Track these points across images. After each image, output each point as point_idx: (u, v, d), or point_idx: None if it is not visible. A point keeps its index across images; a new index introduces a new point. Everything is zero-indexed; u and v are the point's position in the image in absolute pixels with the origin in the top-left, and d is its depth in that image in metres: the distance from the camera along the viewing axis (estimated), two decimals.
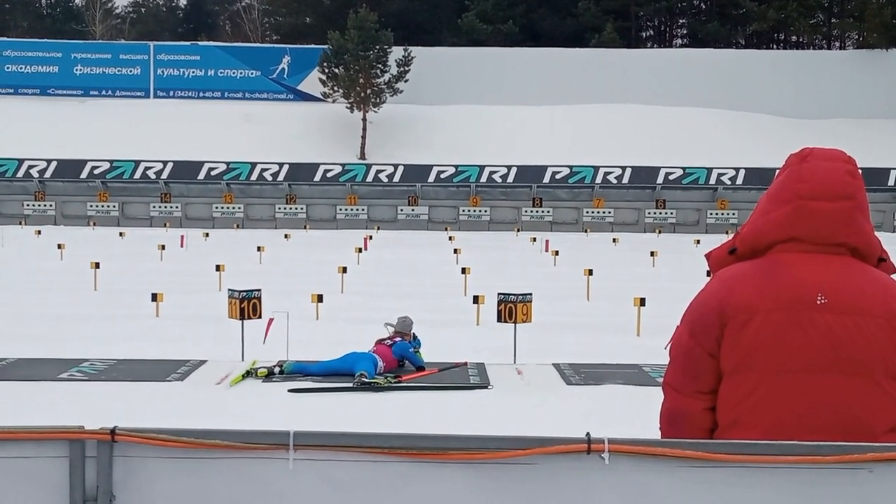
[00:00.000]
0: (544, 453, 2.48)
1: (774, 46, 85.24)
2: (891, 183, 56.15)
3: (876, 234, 3.26)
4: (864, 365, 2.94)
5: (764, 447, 2.53)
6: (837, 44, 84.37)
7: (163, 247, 34.16)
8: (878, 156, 56.98)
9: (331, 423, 9.66)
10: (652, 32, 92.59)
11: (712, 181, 57.28)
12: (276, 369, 12.30)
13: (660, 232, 54.26)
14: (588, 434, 2.50)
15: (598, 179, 57.37)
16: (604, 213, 56.84)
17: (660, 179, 57.41)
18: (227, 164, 57.40)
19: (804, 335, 2.95)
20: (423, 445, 2.50)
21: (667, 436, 3.21)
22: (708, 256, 3.37)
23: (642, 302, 16.44)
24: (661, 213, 57.04)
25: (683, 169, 57.66)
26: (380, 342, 13.02)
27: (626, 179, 57.58)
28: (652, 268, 30.61)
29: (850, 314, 2.97)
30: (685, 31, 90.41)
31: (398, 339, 13.02)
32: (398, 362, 12.80)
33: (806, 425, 2.89)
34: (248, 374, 12.15)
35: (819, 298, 2.99)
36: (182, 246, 37.95)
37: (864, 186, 3.25)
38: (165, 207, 56.80)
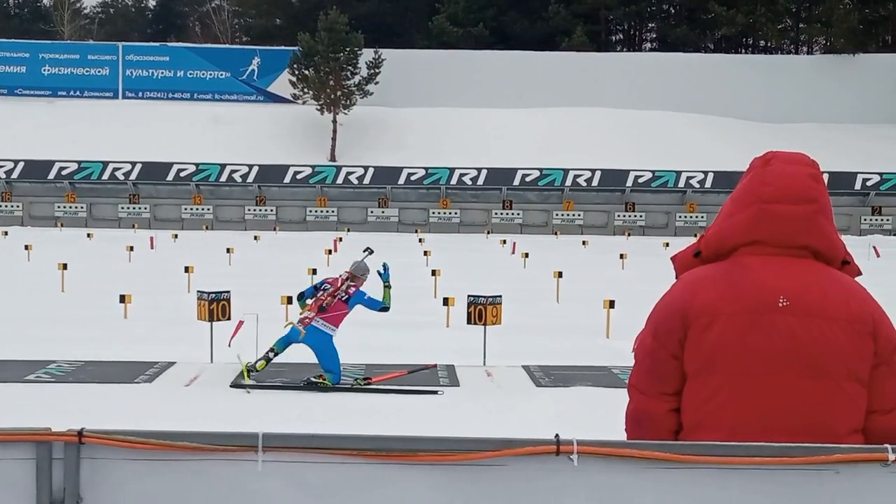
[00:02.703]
0: (513, 455, 2.49)
1: (743, 51, 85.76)
2: (857, 187, 56.58)
3: (840, 236, 3.29)
4: (826, 367, 2.97)
5: (731, 448, 2.55)
6: (805, 48, 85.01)
7: (131, 248, 33.97)
8: (845, 160, 57.38)
9: (301, 424, 9.65)
10: (622, 36, 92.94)
11: (681, 184, 57.54)
12: (271, 354, 12.36)
13: (629, 234, 54.45)
14: (557, 436, 2.51)
15: (568, 182, 57.49)
16: (573, 215, 56.97)
17: (629, 182, 57.61)
18: (197, 165, 57.12)
19: (766, 338, 2.97)
20: (392, 447, 2.50)
21: (632, 437, 3.23)
22: (673, 259, 3.39)
23: (612, 304, 16.51)
24: (630, 216, 57.23)
25: (653, 172, 57.88)
26: (334, 295, 12.68)
27: (595, 182, 57.73)
28: (621, 270, 30.72)
29: (813, 316, 2.99)
30: (655, 36, 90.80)
31: (353, 290, 12.70)
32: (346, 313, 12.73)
33: (768, 427, 2.91)
34: (250, 371, 12.16)
35: (781, 301, 3.01)
36: (152, 247, 37.76)
37: (826, 190, 3.27)
38: (134, 209, 56.47)
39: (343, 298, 12.55)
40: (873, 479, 2.49)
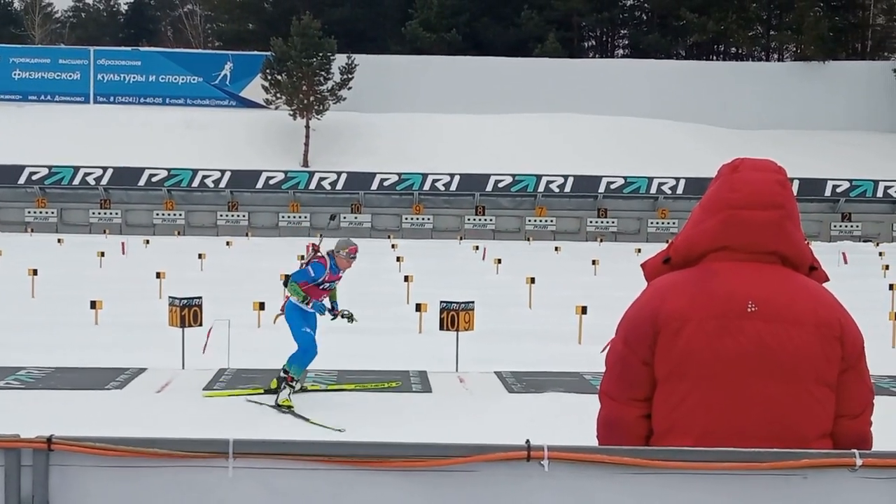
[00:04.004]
0: (484, 460, 2.50)
1: (714, 57, 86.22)
2: (827, 193, 56.98)
3: (807, 242, 3.32)
4: (794, 372, 2.99)
5: (700, 454, 2.57)
6: (776, 55, 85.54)
7: (102, 254, 33.78)
8: (815, 167, 57.81)
9: (272, 430, 9.62)
10: (594, 43, 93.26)
11: (653, 190, 57.79)
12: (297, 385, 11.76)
13: (601, 240, 54.62)
14: (528, 441, 2.52)
15: (541, 188, 57.64)
16: (546, 221, 57.12)
17: (601, 188, 57.81)
18: (168, 170, 56.89)
19: (735, 343, 2.99)
20: (362, 453, 2.50)
21: (603, 443, 3.24)
22: (643, 266, 3.41)
23: (584, 310, 16.54)
24: (602, 222, 57.44)
25: (625, 178, 58.11)
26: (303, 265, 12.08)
27: (568, 188, 57.91)
28: (594, 276, 30.82)
29: (781, 322, 3.01)
30: (627, 42, 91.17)
31: (315, 261, 11.91)
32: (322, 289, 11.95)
33: (738, 432, 2.93)
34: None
35: (750, 306, 3.03)
36: (123, 253, 37.56)
37: (793, 196, 3.30)
38: (105, 214, 56.17)
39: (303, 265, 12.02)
40: (841, 485, 2.51)
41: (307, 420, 10.54)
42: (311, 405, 11.21)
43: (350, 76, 65.49)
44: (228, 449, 2.47)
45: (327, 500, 2.52)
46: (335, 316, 12.02)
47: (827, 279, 3.34)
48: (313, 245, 12.25)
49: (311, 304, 11.66)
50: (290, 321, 11.72)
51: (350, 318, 11.98)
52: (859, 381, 3.13)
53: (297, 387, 11.57)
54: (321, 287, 11.79)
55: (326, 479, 2.49)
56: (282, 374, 11.52)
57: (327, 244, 12.35)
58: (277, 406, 11.10)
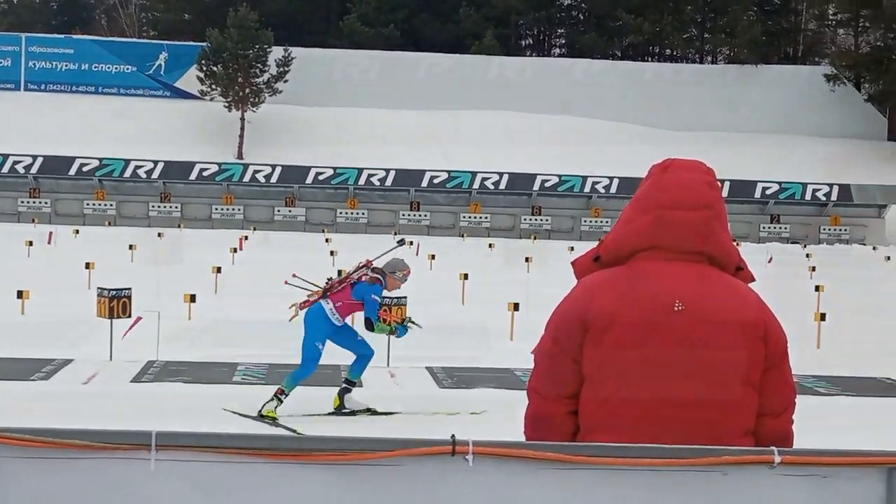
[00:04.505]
0: (409, 455, 2.49)
1: (650, 59, 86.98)
2: (757, 195, 57.73)
3: (737, 243, 3.36)
4: (719, 371, 3.03)
5: (623, 450, 2.59)
6: (710, 58, 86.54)
7: (30, 243, 33.24)
8: (745, 169, 58.60)
9: (198, 422, 9.54)
10: (531, 41, 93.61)
11: (587, 189, 58.17)
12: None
13: (535, 238, 54.87)
14: (453, 436, 2.52)
15: (476, 185, 57.76)
16: (481, 218, 57.28)
17: (536, 186, 58.08)
18: (100, 160, 56.12)
19: (661, 342, 3.02)
20: (287, 446, 2.49)
21: (531, 438, 3.26)
22: (573, 264, 3.43)
23: (516, 307, 16.60)
24: (536, 220, 57.71)
25: (559, 176, 58.43)
26: (349, 277, 11.17)
27: (503, 185, 58.10)
28: (527, 273, 30.93)
29: (706, 321, 3.05)
30: (564, 41, 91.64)
31: (365, 278, 10.97)
32: (361, 305, 11.07)
33: (662, 430, 2.96)
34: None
35: (677, 305, 3.06)
36: (49, 242, 37.00)
37: (722, 197, 3.35)
38: (34, 203, 55.29)
39: (351, 282, 11.03)
40: (760, 481, 2.54)
41: (294, 431, 10.11)
42: (239, 396, 11.13)
43: (286, 69, 65.15)
44: (151, 441, 2.44)
45: (250, 494, 2.50)
46: (408, 329, 11.32)
47: (753, 279, 3.39)
48: (368, 261, 11.26)
49: (397, 333, 11.17)
50: (310, 328, 10.97)
51: (416, 324, 11.35)
52: (782, 381, 3.18)
53: (284, 399, 10.79)
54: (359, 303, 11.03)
55: (250, 473, 2.48)
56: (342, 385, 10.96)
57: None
58: (260, 416, 10.50)
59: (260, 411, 10.58)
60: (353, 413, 10.85)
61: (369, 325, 11.07)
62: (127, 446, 2.46)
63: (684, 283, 3.11)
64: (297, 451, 2.49)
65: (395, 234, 52.96)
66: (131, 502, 2.48)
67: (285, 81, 64.87)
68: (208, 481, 2.48)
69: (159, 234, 44.47)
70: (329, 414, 10.93)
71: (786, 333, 3.23)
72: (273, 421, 10.47)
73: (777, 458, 2.49)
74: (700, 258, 3.20)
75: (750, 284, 3.37)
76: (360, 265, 11.12)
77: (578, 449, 2.62)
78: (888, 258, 43.02)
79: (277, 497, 2.52)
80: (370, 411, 10.90)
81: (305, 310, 11.10)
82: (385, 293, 11.52)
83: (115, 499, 2.49)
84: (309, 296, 11.19)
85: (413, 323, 11.27)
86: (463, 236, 54.33)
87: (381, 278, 10.99)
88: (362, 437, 2.54)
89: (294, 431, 10.01)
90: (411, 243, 12.25)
